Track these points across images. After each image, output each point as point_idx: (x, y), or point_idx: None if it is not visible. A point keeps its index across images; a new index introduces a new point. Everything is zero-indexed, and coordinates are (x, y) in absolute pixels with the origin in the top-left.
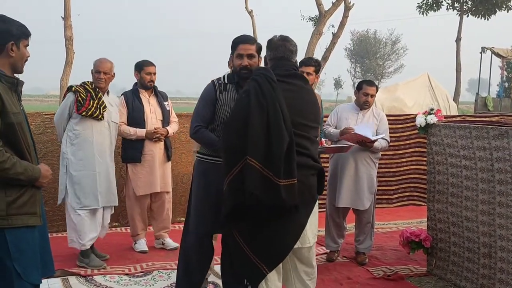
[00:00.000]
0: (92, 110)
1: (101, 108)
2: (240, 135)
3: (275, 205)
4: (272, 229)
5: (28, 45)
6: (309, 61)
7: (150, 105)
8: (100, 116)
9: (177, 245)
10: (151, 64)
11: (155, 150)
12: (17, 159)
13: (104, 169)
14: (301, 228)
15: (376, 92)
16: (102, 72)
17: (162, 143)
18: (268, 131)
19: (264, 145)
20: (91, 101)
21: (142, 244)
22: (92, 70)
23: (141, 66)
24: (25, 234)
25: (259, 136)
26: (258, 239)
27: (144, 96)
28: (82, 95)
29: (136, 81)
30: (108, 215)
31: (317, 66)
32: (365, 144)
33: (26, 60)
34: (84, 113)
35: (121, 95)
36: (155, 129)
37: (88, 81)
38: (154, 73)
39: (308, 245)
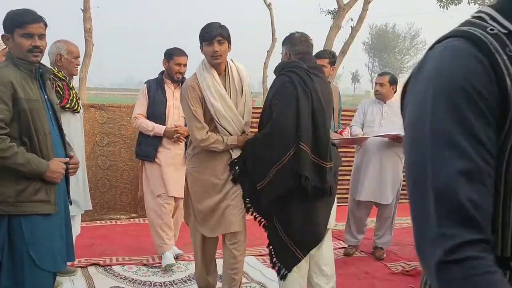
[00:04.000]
0: (74, 102)
1: (77, 98)
2: (292, 122)
3: (318, 187)
4: (308, 214)
5: (27, 33)
6: (323, 53)
7: (174, 98)
8: (79, 109)
9: (180, 252)
10: (182, 53)
11: (173, 150)
12: (21, 150)
13: (82, 170)
14: (330, 211)
15: (390, 81)
16: (78, 57)
17: (182, 144)
18: (313, 118)
19: (311, 131)
20: (70, 90)
21: (168, 257)
22: (62, 54)
23: (171, 55)
24: (40, 221)
25: (308, 122)
26: (295, 225)
27: (170, 88)
28: (59, 85)
29: (163, 69)
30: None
31: (332, 58)
32: (401, 140)
33: (31, 50)
34: (67, 106)
35: (144, 83)
36: (176, 127)
37: (55, 69)
38: (185, 65)
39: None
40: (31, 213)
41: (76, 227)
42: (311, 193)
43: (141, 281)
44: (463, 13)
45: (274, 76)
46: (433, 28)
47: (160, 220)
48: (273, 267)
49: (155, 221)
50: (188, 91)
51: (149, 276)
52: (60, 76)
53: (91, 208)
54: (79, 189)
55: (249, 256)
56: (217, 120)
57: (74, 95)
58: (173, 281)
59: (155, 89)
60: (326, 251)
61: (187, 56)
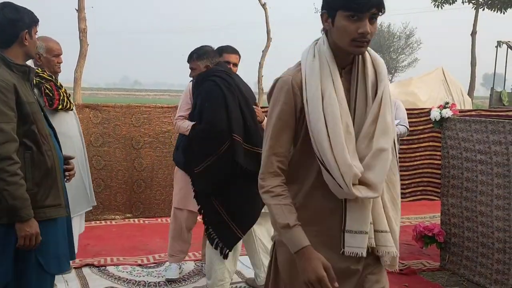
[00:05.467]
0: (65, 101)
1: (68, 96)
2: (224, 119)
3: (252, 171)
4: (247, 196)
5: (37, 31)
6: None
7: None
8: (72, 107)
9: None
10: (232, 51)
11: None
12: (23, 185)
13: (84, 167)
14: None
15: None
16: (61, 55)
17: None
18: (242, 111)
19: (242, 123)
20: (59, 90)
21: (172, 270)
22: (40, 53)
23: (220, 52)
24: (48, 226)
25: (238, 116)
26: (235, 205)
27: None
28: (47, 86)
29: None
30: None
31: None
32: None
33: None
34: (60, 107)
35: (190, 81)
36: None
37: (38, 69)
38: (235, 64)
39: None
40: (43, 219)
41: (82, 225)
42: (247, 177)
43: (136, 281)
44: (457, 12)
45: (269, 76)
46: (428, 27)
47: (180, 232)
48: (215, 248)
49: (175, 232)
50: (281, 91)
51: (144, 276)
52: (46, 76)
53: (95, 204)
54: (84, 186)
55: (243, 256)
56: (319, 154)
57: (64, 94)
58: (168, 281)
59: None
60: (270, 229)
61: (239, 55)
